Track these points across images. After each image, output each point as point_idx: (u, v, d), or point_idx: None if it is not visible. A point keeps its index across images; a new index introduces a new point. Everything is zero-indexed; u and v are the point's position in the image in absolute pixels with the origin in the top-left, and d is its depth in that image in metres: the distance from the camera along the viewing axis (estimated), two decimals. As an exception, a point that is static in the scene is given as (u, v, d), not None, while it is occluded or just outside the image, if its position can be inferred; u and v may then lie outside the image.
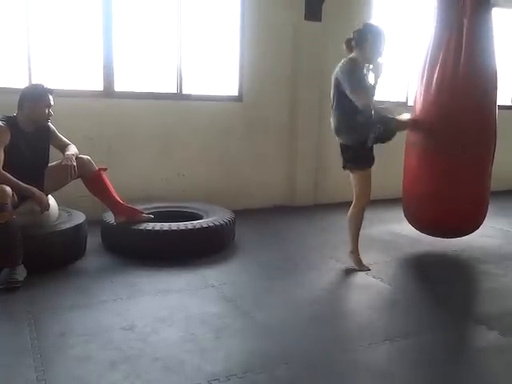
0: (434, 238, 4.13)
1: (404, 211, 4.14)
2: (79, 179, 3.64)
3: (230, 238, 4.10)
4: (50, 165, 3.61)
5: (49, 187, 3.54)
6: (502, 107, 4.13)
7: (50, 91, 3.48)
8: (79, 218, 3.72)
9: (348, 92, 3.26)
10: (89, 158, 3.69)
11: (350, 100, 3.27)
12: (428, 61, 3.85)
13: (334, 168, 3.91)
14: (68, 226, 3.55)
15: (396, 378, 2.24)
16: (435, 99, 3.77)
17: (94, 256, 3.75)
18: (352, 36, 3.38)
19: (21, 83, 4.26)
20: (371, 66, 3.36)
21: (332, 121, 3.49)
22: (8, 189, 3.11)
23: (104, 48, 4.75)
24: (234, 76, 5.40)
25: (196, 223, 3.81)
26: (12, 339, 2.49)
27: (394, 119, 3.59)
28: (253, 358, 2.37)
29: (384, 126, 3.41)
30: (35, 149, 3.51)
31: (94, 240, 3.94)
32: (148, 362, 2.26)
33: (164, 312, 2.80)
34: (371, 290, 3.27)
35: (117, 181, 4.08)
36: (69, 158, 3.49)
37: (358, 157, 3.43)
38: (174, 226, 3.70)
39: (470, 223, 3.96)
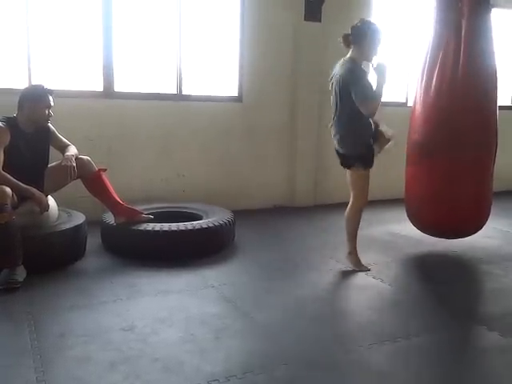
0: (433, 238, 4.14)
1: (406, 212, 4.15)
2: (79, 180, 3.64)
3: (230, 238, 4.10)
4: (49, 165, 3.61)
5: (48, 188, 3.54)
6: (501, 107, 4.13)
7: (50, 92, 3.48)
8: (79, 218, 3.72)
9: (355, 99, 3.25)
10: (89, 158, 3.69)
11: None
12: (428, 61, 3.85)
13: (333, 168, 3.90)
14: (68, 226, 3.55)
15: (396, 378, 2.24)
16: (435, 100, 3.77)
17: (93, 257, 3.74)
18: (350, 32, 3.35)
19: (21, 84, 4.26)
20: (373, 65, 3.35)
21: (335, 129, 3.45)
22: (8, 189, 3.11)
23: (104, 48, 4.75)
24: (233, 76, 5.40)
25: (196, 224, 3.81)
26: (12, 340, 2.49)
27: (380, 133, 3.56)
28: (252, 358, 2.37)
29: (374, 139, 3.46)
30: (35, 149, 3.51)
31: (93, 241, 3.93)
32: (148, 363, 2.25)
33: (164, 312, 2.80)
34: (371, 290, 3.27)
35: (117, 181, 4.09)
36: (68, 158, 3.49)
37: (361, 157, 3.43)
38: (174, 226, 3.70)
39: (473, 224, 3.96)
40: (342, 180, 3.69)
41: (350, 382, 2.22)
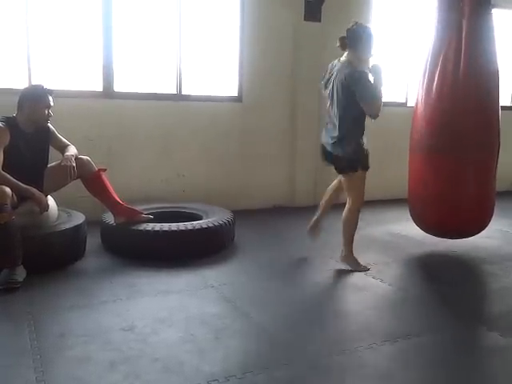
0: (433, 238, 4.14)
1: (410, 212, 4.15)
2: (79, 180, 3.64)
3: (230, 238, 4.10)
4: (49, 165, 3.61)
5: (48, 188, 3.54)
6: (502, 108, 4.12)
7: (50, 92, 3.48)
8: (79, 218, 3.71)
9: (363, 101, 3.28)
10: (88, 158, 3.68)
11: (358, 109, 3.31)
12: (429, 62, 3.85)
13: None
14: (67, 226, 3.54)
15: (396, 378, 2.24)
16: (437, 101, 3.77)
17: (93, 257, 3.74)
18: (346, 34, 3.40)
19: (20, 84, 4.26)
20: (369, 67, 3.39)
21: (331, 133, 3.44)
22: (7, 189, 3.10)
23: (104, 48, 4.75)
24: (233, 76, 5.40)
25: (196, 224, 3.81)
26: (11, 340, 2.49)
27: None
28: (252, 358, 2.37)
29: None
30: (35, 149, 3.50)
31: (93, 241, 3.93)
32: (147, 363, 2.25)
33: (164, 313, 2.79)
34: (371, 290, 3.27)
35: (116, 181, 4.09)
36: (68, 158, 3.49)
37: (360, 159, 3.43)
38: (174, 226, 3.70)
39: (475, 224, 3.96)
40: (342, 180, 3.68)
41: (349, 382, 2.21)
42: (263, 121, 5.51)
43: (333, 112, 3.44)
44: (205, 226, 3.80)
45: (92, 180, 3.69)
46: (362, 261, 3.64)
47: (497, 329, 2.72)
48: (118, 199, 3.82)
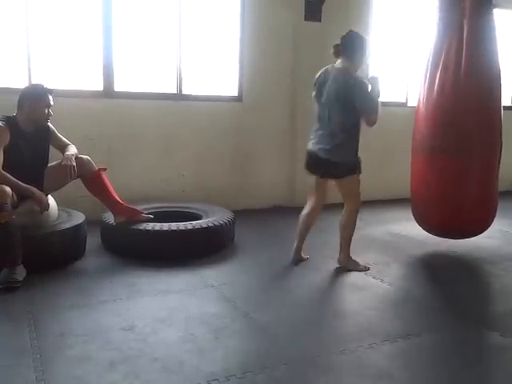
0: (434, 238, 4.15)
1: (412, 212, 4.16)
2: (79, 179, 3.64)
3: (230, 238, 4.10)
4: (49, 165, 3.61)
5: (48, 187, 3.54)
6: (503, 108, 4.11)
7: (50, 91, 3.48)
8: (79, 218, 3.71)
9: (363, 112, 3.30)
10: (88, 158, 3.69)
11: (355, 116, 3.32)
12: (430, 62, 3.84)
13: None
14: (67, 226, 3.54)
15: (396, 378, 2.23)
16: (439, 101, 3.76)
17: (93, 256, 3.74)
18: (341, 42, 3.40)
19: (21, 83, 4.26)
20: (367, 78, 3.43)
21: (325, 139, 3.41)
22: (7, 189, 3.10)
23: (104, 48, 4.75)
24: (233, 76, 5.40)
25: (196, 223, 3.81)
26: (11, 339, 2.49)
27: None
28: (252, 358, 2.37)
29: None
30: (35, 149, 3.50)
31: (93, 240, 3.93)
32: (147, 363, 2.25)
33: (163, 312, 2.79)
34: (371, 290, 3.27)
35: (116, 181, 4.09)
36: (68, 158, 3.49)
37: (356, 163, 3.43)
38: (174, 226, 3.70)
39: (478, 225, 3.96)
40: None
41: (349, 382, 2.21)
42: (263, 121, 5.51)
43: (327, 118, 3.41)
44: (205, 225, 3.80)
45: (92, 179, 3.69)
46: (361, 261, 3.64)
47: (497, 329, 2.72)
48: (118, 199, 3.82)
